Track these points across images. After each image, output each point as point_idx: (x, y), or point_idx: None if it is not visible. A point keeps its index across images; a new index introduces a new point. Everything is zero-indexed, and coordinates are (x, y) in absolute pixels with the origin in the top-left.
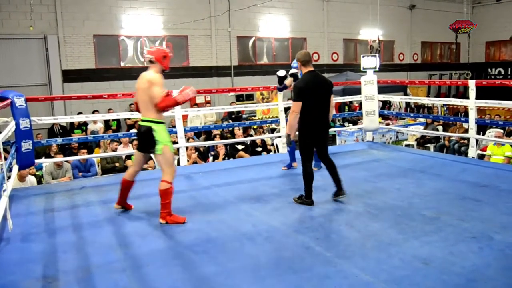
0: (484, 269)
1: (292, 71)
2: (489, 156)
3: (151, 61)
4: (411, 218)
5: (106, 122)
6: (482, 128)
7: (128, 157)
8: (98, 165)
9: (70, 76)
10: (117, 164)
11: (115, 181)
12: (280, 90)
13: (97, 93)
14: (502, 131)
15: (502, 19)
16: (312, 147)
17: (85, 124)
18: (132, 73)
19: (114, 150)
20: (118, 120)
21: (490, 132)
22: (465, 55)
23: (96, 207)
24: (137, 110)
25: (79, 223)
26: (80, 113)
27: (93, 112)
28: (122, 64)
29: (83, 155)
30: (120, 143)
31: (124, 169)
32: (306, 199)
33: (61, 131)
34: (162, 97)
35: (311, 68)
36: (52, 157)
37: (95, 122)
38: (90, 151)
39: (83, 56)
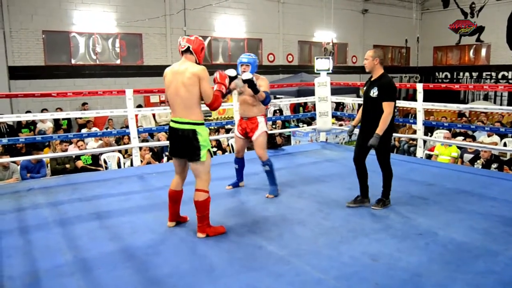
0: (428, 264)
1: (247, 76)
2: (436, 156)
3: (187, 51)
4: (362, 216)
5: (56, 121)
6: (430, 129)
7: (78, 157)
8: (48, 166)
9: (17, 73)
10: (67, 166)
11: (64, 182)
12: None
13: (45, 91)
14: (449, 132)
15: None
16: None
17: (33, 123)
18: (83, 71)
19: (64, 151)
20: (69, 120)
21: (437, 133)
22: (415, 59)
23: (44, 209)
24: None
25: (26, 226)
26: (28, 111)
27: (42, 111)
28: (73, 62)
29: (34, 156)
30: (71, 143)
31: (75, 170)
32: (387, 200)
33: (8, 130)
34: (214, 95)
35: None
36: None
37: (44, 121)
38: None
39: (31, 52)
